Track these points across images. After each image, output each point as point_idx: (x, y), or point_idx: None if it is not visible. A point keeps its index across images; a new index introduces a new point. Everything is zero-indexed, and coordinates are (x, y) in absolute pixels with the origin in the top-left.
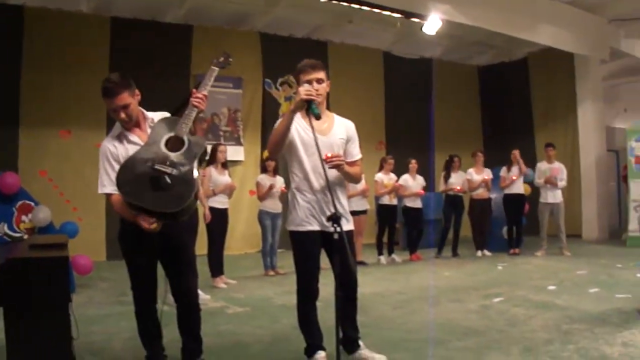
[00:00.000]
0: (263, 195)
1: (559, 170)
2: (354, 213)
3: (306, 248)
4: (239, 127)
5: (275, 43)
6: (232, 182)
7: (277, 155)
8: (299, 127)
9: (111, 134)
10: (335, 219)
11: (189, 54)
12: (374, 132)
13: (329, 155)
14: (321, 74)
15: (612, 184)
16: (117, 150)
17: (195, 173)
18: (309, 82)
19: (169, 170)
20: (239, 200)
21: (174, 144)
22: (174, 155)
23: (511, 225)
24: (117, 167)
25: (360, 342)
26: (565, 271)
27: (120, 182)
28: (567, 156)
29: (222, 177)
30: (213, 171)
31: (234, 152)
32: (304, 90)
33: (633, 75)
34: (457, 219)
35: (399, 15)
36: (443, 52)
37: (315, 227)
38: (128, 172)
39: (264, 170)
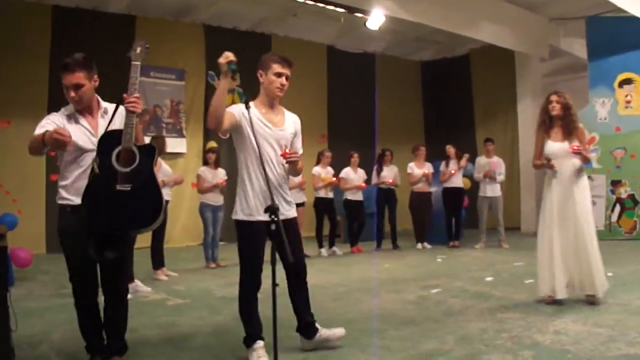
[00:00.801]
0: (204, 188)
1: (498, 164)
2: None
3: (254, 238)
4: (181, 119)
5: (219, 35)
6: (180, 175)
7: (219, 127)
8: (255, 118)
9: (62, 111)
10: (273, 210)
11: (132, 45)
12: (317, 126)
13: (287, 150)
14: (289, 72)
15: None
16: (64, 125)
17: (167, 195)
18: (280, 75)
19: (128, 187)
20: (180, 193)
21: (125, 156)
22: (128, 170)
23: (450, 218)
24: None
25: (317, 325)
26: (503, 263)
27: (94, 220)
28: (507, 151)
29: (166, 167)
30: (162, 163)
31: (176, 144)
32: (222, 57)
33: (572, 73)
34: (390, 212)
35: (342, 10)
36: (386, 47)
37: (265, 217)
38: (96, 204)
39: (205, 162)
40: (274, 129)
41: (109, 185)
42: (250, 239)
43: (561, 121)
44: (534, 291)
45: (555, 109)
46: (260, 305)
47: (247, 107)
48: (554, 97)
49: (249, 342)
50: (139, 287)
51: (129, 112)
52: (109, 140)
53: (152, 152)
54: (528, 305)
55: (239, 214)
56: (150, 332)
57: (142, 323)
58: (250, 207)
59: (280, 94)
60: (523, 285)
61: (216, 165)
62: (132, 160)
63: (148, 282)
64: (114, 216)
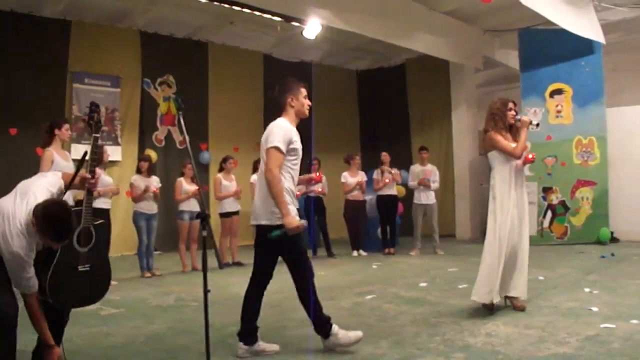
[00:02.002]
0: (137, 196)
1: (432, 172)
2: (227, 214)
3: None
4: (116, 126)
5: (156, 42)
6: (116, 186)
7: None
8: (297, 137)
9: None
10: (204, 217)
11: (67, 50)
12: (252, 134)
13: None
14: None
15: (484, 186)
16: None
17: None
18: (306, 97)
19: (87, 268)
20: (115, 202)
21: (85, 236)
22: (86, 251)
23: (385, 226)
24: None
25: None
26: (437, 269)
27: (59, 301)
28: (442, 159)
29: (105, 178)
30: (102, 173)
31: (111, 153)
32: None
33: (506, 83)
34: (320, 220)
35: (279, 19)
36: (323, 56)
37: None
38: (60, 284)
39: (138, 171)
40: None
41: (71, 266)
42: (300, 240)
43: (511, 129)
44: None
45: (512, 117)
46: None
47: None
48: (512, 105)
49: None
50: None
51: (89, 192)
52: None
53: (106, 228)
54: (461, 309)
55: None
56: (83, 342)
57: (76, 333)
58: (294, 211)
59: (307, 115)
60: (456, 290)
61: (149, 173)
62: (90, 238)
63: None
64: (76, 295)
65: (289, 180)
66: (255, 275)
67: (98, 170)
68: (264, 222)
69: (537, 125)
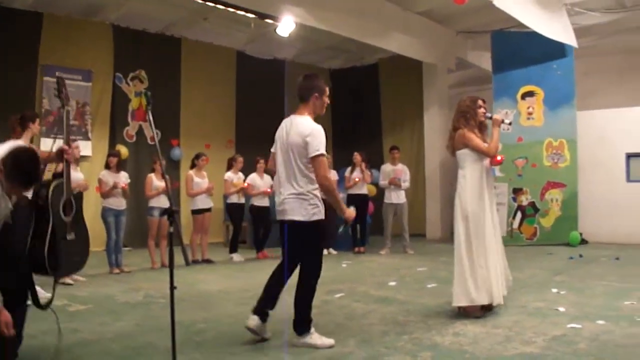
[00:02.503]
0: (106, 192)
1: (402, 172)
2: (199, 211)
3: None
4: (87, 121)
5: (128, 37)
6: (84, 182)
7: None
8: None
9: None
10: (171, 213)
11: (38, 43)
12: (224, 131)
13: None
14: None
15: (454, 185)
16: None
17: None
18: (328, 96)
19: (73, 236)
20: (85, 197)
21: (69, 206)
22: (70, 219)
23: (356, 225)
24: None
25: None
26: (407, 268)
27: (54, 268)
28: (413, 159)
29: (76, 174)
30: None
31: (81, 147)
32: None
33: (479, 85)
34: None
35: (253, 16)
36: (296, 54)
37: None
38: (56, 255)
39: (106, 166)
40: None
41: (61, 236)
42: (322, 234)
43: (480, 127)
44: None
45: (482, 115)
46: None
47: None
48: (481, 102)
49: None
50: (39, 294)
51: (67, 163)
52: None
53: (81, 196)
54: (429, 309)
55: (318, 215)
56: (49, 338)
57: (42, 329)
58: (322, 211)
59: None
60: (425, 290)
61: (118, 168)
62: (72, 208)
63: (50, 287)
64: (67, 263)
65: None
66: (280, 266)
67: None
68: (298, 218)
69: (510, 124)
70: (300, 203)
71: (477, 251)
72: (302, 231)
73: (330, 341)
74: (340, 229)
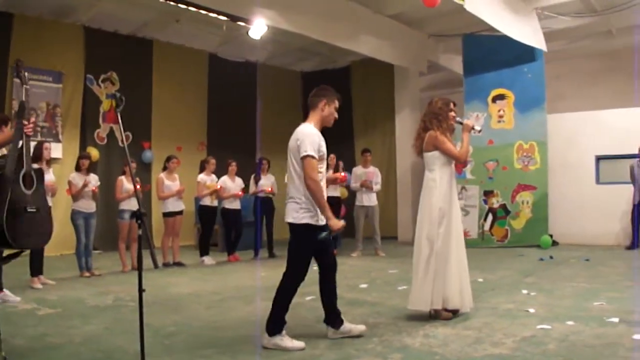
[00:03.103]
0: (77, 192)
1: (374, 174)
2: (170, 214)
3: (314, 239)
4: (57, 123)
5: (100, 38)
6: (53, 183)
7: None
8: (323, 142)
9: None
10: (139, 215)
11: (8, 44)
12: (196, 133)
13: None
14: None
15: None
16: None
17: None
18: (336, 109)
19: (34, 210)
20: (55, 200)
21: (29, 179)
22: (31, 193)
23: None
24: None
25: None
26: (378, 270)
27: (14, 235)
28: (384, 162)
29: (47, 176)
30: (46, 171)
31: (51, 149)
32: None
33: (450, 88)
34: (268, 220)
35: (225, 18)
36: (268, 56)
37: (323, 223)
38: (15, 223)
39: (77, 168)
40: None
41: (21, 206)
42: (313, 241)
43: (449, 130)
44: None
45: (453, 118)
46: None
47: None
48: (452, 105)
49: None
50: (7, 297)
51: (27, 137)
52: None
53: (42, 172)
54: (400, 311)
55: (311, 219)
56: (18, 342)
57: (10, 333)
58: (318, 215)
59: (330, 125)
60: (396, 292)
61: (88, 171)
62: (32, 181)
63: (19, 291)
64: (29, 235)
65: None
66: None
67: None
68: (290, 220)
69: (480, 131)
70: (293, 206)
71: (446, 254)
72: (293, 232)
73: (300, 344)
74: (322, 235)
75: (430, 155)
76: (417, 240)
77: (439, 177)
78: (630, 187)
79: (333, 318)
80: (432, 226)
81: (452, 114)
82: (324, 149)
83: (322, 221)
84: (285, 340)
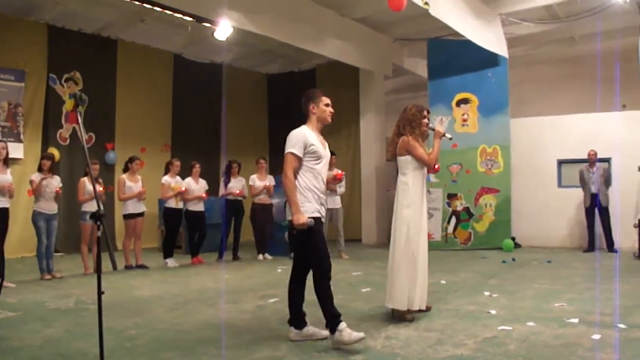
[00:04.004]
0: (37, 188)
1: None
2: (130, 216)
3: (321, 231)
4: (19, 123)
5: (63, 37)
6: (10, 184)
7: None
8: (317, 141)
9: None
10: (98, 216)
11: None
12: (160, 135)
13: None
14: None
15: (390, 191)
16: None
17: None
18: (328, 105)
19: None
20: (16, 201)
21: None
22: None
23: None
24: None
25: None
26: (342, 272)
27: None
28: (349, 164)
29: (4, 176)
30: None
31: (12, 150)
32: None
33: (415, 92)
34: (236, 223)
35: (190, 19)
36: (234, 58)
37: (322, 217)
38: None
39: (39, 169)
40: (326, 151)
41: None
42: (319, 232)
43: (422, 137)
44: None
45: (425, 125)
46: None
47: None
48: (426, 113)
49: (337, 323)
50: None
51: None
52: None
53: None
54: (363, 312)
55: (306, 213)
56: None
57: None
58: (313, 207)
59: (330, 121)
60: (359, 294)
61: (50, 172)
62: None
63: None
64: None
65: (310, 179)
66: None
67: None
68: (290, 218)
69: (450, 138)
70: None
71: (414, 256)
72: (297, 232)
73: (359, 335)
74: (283, 224)
75: (403, 160)
76: (392, 241)
77: (411, 180)
78: None
79: (298, 319)
80: (404, 228)
81: (425, 120)
82: (316, 147)
83: (319, 214)
84: (344, 334)
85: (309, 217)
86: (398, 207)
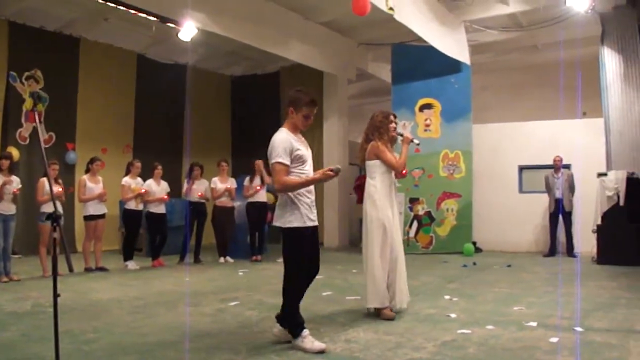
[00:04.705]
0: None
1: None
2: (91, 217)
3: (307, 240)
4: None
5: (25, 34)
6: None
7: None
8: (299, 143)
9: None
10: (55, 218)
11: None
12: (122, 135)
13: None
14: (315, 110)
15: (352, 195)
16: None
17: None
18: (307, 117)
19: None
20: None
21: None
22: None
23: (254, 233)
24: None
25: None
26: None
27: None
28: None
29: None
30: None
31: None
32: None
33: (378, 96)
34: (198, 226)
35: (154, 19)
36: (198, 59)
37: (314, 224)
38: None
39: None
40: (308, 151)
41: None
42: (304, 242)
43: (390, 142)
44: (330, 302)
45: (393, 130)
46: None
47: None
48: (392, 118)
49: (300, 330)
50: None
51: None
52: None
53: None
54: (323, 316)
55: (294, 222)
56: None
57: None
58: (304, 215)
59: (304, 129)
60: (320, 297)
61: (9, 172)
62: None
63: None
64: None
65: None
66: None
67: None
68: (278, 224)
69: (418, 144)
70: (280, 209)
71: (387, 256)
72: (283, 236)
73: (321, 345)
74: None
75: (372, 164)
76: (364, 243)
77: (379, 183)
78: None
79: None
80: (377, 229)
81: (392, 125)
82: (301, 151)
83: (310, 222)
84: (306, 342)
85: (300, 226)
86: (367, 209)
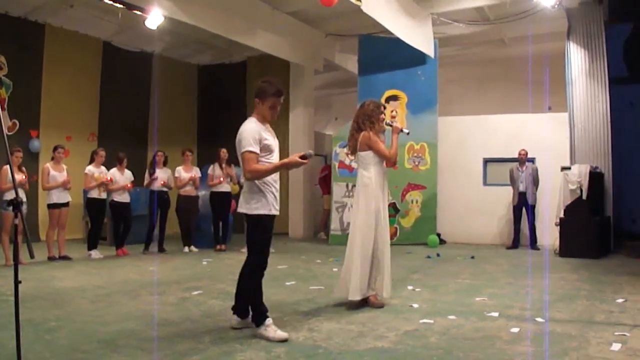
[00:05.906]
0: None
1: None
2: (54, 206)
3: (270, 228)
4: None
5: None
6: None
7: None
8: (267, 133)
9: None
10: (17, 204)
11: None
12: (87, 123)
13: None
14: (282, 100)
15: (317, 186)
16: None
17: None
18: (274, 107)
19: None
20: None
21: None
22: None
23: (218, 222)
24: None
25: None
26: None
27: None
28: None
29: None
30: None
31: None
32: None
33: (344, 87)
34: (162, 215)
35: (120, 6)
36: (164, 47)
37: (277, 213)
38: None
39: None
40: (275, 141)
41: None
42: (269, 229)
43: (380, 132)
44: (294, 292)
45: (382, 120)
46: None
47: None
48: (383, 109)
49: (264, 319)
50: None
51: None
52: None
53: None
54: (286, 305)
55: (260, 209)
56: None
57: None
58: (270, 203)
59: (270, 121)
60: (284, 287)
61: None
62: None
63: None
64: None
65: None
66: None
67: None
68: (243, 211)
69: (408, 133)
70: (245, 197)
71: (373, 247)
72: (248, 223)
73: (284, 335)
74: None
75: (365, 155)
76: (352, 232)
77: (374, 175)
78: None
79: (243, 308)
80: (368, 220)
81: (382, 116)
82: (268, 141)
83: (275, 211)
84: (269, 331)
85: (266, 214)
86: (361, 200)
